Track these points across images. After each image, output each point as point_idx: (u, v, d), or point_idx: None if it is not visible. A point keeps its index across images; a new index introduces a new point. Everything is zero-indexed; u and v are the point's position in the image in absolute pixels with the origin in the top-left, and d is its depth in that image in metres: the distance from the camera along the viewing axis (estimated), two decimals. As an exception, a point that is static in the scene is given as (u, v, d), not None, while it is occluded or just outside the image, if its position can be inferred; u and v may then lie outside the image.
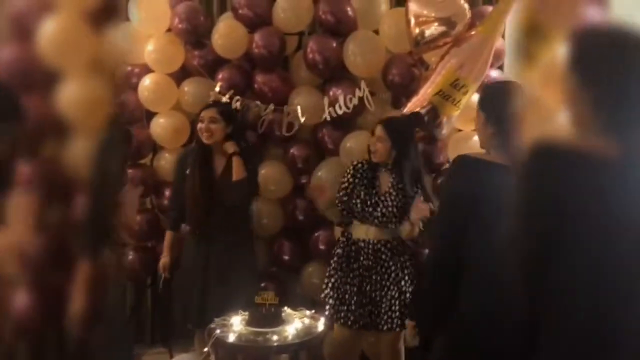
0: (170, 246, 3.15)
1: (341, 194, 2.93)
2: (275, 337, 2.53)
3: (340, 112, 3.25)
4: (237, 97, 3.29)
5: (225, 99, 3.26)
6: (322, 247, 3.40)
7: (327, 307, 2.90)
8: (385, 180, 2.89)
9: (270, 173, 3.40)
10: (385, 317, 2.84)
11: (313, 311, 2.91)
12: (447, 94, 2.91)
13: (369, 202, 2.85)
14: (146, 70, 3.46)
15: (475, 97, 2.74)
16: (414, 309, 2.29)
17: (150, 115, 3.53)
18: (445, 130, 3.08)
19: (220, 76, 3.37)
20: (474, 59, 2.89)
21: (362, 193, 2.86)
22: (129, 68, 3.50)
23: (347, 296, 2.89)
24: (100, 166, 0.99)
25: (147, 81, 3.42)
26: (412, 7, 3.02)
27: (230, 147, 2.98)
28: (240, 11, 3.37)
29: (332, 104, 3.27)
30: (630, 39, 1.18)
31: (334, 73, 3.36)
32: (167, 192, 3.52)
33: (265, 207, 3.47)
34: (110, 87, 0.97)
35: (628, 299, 1.15)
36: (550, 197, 1.14)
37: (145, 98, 3.44)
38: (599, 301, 1.14)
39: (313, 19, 3.41)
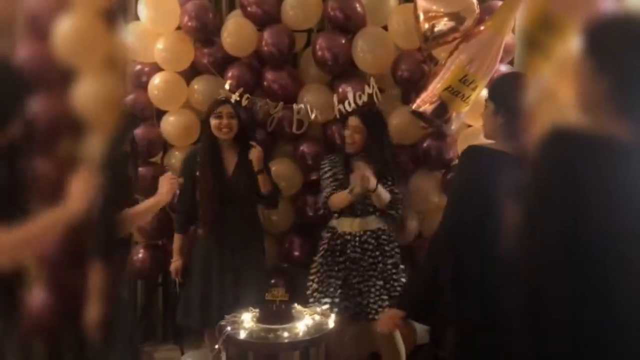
0: (180, 249, 3.12)
1: (329, 189, 2.96)
2: (286, 334, 2.53)
3: (349, 108, 3.25)
4: (247, 95, 3.30)
5: (235, 96, 3.27)
6: (332, 243, 3.40)
7: (311, 300, 2.93)
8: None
9: (280, 170, 3.41)
10: (375, 306, 2.89)
11: (324, 307, 2.92)
12: (457, 90, 2.90)
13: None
14: (156, 68, 3.47)
15: (484, 93, 2.73)
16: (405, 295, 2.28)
17: (160, 113, 3.55)
18: (454, 126, 3.07)
19: (229, 74, 3.38)
20: (483, 54, 2.88)
21: (339, 186, 2.91)
22: (139, 67, 3.52)
23: (331, 289, 2.94)
24: (112, 165, 1.00)
25: (157, 80, 3.44)
26: (421, 2, 3.01)
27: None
28: (249, 9, 3.38)
29: (342, 100, 3.27)
30: None
31: (343, 70, 3.36)
32: (178, 191, 3.53)
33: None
34: (122, 85, 0.98)
35: None
36: (572, 183, 1.13)
37: (155, 97, 3.45)
38: (627, 287, 1.13)
39: (322, 15, 3.41)
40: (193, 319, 3.05)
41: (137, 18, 3.45)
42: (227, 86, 3.31)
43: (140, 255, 3.55)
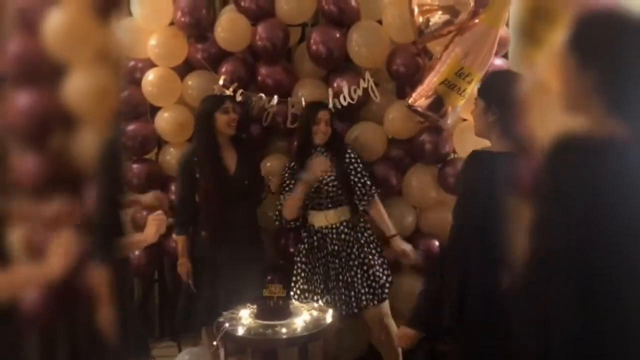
0: (184, 251, 3.07)
1: (282, 199, 3.01)
2: (284, 330, 2.53)
3: (344, 103, 3.23)
4: (241, 90, 3.28)
5: (229, 92, 3.25)
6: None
7: (295, 297, 2.95)
8: None
9: (275, 165, 3.40)
10: (359, 295, 2.93)
11: (321, 303, 2.93)
12: (452, 83, 2.89)
13: (312, 189, 2.93)
14: (149, 64, 3.45)
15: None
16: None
17: (154, 109, 3.52)
18: (450, 120, 3.06)
19: (223, 69, 3.36)
20: (478, 47, 2.87)
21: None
22: (132, 63, 3.49)
23: (313, 287, 2.99)
24: (105, 161, 0.99)
25: (150, 76, 3.41)
26: (416, -5, 3.00)
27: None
28: (242, 3, 3.35)
29: (337, 95, 3.26)
30: (630, 22, 1.17)
31: (337, 64, 3.35)
32: (173, 187, 3.52)
33: (271, 200, 3.46)
34: (115, 80, 0.97)
35: None
36: (583, 188, 1.12)
37: (149, 93, 3.43)
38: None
39: (316, 10, 3.39)
40: (198, 319, 3.04)
41: (130, 14, 3.42)
42: (221, 81, 3.29)
43: (137, 252, 3.53)
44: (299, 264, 3.05)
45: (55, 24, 0.77)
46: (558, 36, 1.19)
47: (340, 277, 2.97)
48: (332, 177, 2.96)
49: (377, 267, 2.97)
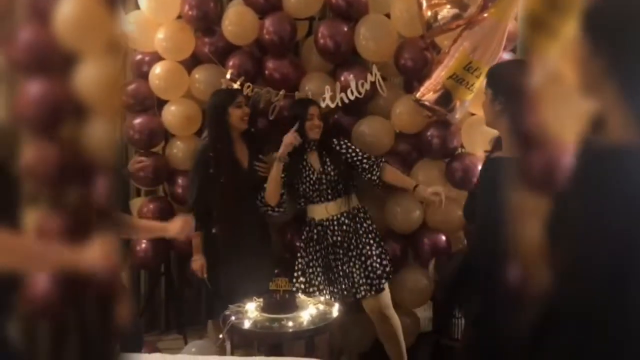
0: (199, 247, 3.07)
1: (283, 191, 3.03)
2: (290, 324, 2.54)
3: (352, 97, 3.23)
4: (248, 84, 3.28)
5: (236, 85, 3.25)
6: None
7: (299, 292, 2.95)
8: (314, 157, 3.05)
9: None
10: (357, 285, 2.95)
11: (323, 296, 2.93)
12: (461, 78, 2.88)
13: (313, 181, 2.98)
14: (157, 58, 3.45)
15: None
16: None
17: (161, 103, 3.52)
18: (458, 115, 3.05)
19: (231, 63, 3.36)
20: (487, 41, 2.86)
21: (302, 176, 3.00)
22: (140, 56, 3.50)
23: (315, 280, 3.00)
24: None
25: (157, 69, 3.41)
26: (424, -11, 2.98)
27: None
28: (250, -3, 3.35)
29: (344, 89, 3.25)
30: None
31: (345, 58, 3.34)
32: (180, 180, 3.52)
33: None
34: (122, 72, 0.96)
35: None
36: (617, 197, 1.09)
37: (156, 86, 3.43)
38: None
39: (323, 3, 3.37)
40: (209, 311, 3.07)
41: (137, 7, 3.42)
42: (228, 75, 3.29)
43: (143, 245, 3.54)
44: (299, 259, 3.07)
45: (66, 12, 0.77)
46: (570, 25, 1.17)
47: (340, 267, 2.99)
48: (332, 167, 3.00)
49: (375, 258, 2.99)
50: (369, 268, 2.97)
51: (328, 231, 3.01)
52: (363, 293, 2.96)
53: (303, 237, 3.09)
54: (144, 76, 3.45)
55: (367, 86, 3.22)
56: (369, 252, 2.99)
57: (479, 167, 2.96)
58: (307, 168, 3.03)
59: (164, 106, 3.50)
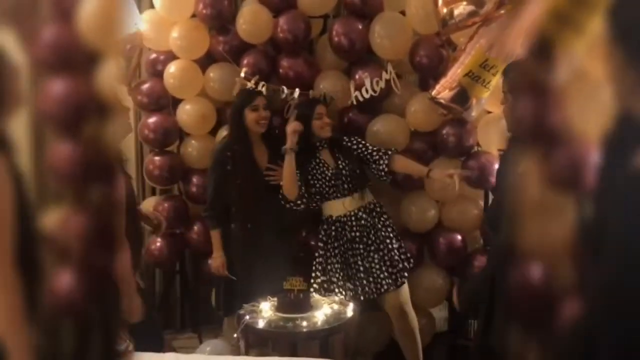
0: (219, 245, 3.08)
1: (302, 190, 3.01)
2: (304, 323, 2.54)
3: (367, 95, 3.21)
4: (263, 83, 3.27)
5: (250, 84, 3.25)
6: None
7: (318, 292, 2.93)
8: (327, 154, 3.04)
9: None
10: (378, 279, 2.93)
11: (341, 293, 2.92)
12: (477, 75, 2.85)
13: (329, 177, 2.98)
14: (171, 57, 3.45)
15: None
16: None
17: (176, 102, 3.53)
18: (474, 113, 3.02)
19: (245, 61, 3.35)
20: (503, 38, 2.83)
21: (317, 173, 2.99)
22: (154, 55, 3.51)
23: (334, 277, 2.97)
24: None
25: (172, 68, 3.42)
26: (440, -14, 2.95)
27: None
28: (264, -5, 3.34)
29: (359, 87, 3.23)
30: None
31: (360, 56, 3.32)
32: (195, 179, 3.53)
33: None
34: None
35: None
36: None
37: (170, 85, 3.44)
38: None
39: (338, 1, 3.36)
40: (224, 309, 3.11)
41: (152, 6, 3.43)
42: (242, 74, 3.28)
43: (158, 244, 3.55)
44: (318, 258, 3.05)
45: (89, 11, 0.77)
46: (597, 20, 1.14)
47: (360, 263, 2.97)
48: (346, 162, 3.01)
49: (395, 251, 2.97)
50: (389, 262, 2.95)
51: (346, 227, 2.99)
52: (386, 287, 2.93)
53: (320, 236, 3.06)
54: (159, 75, 3.45)
55: (382, 84, 3.20)
56: (390, 246, 2.97)
57: (496, 166, 2.94)
58: (322, 165, 3.02)
59: (178, 105, 3.51)
